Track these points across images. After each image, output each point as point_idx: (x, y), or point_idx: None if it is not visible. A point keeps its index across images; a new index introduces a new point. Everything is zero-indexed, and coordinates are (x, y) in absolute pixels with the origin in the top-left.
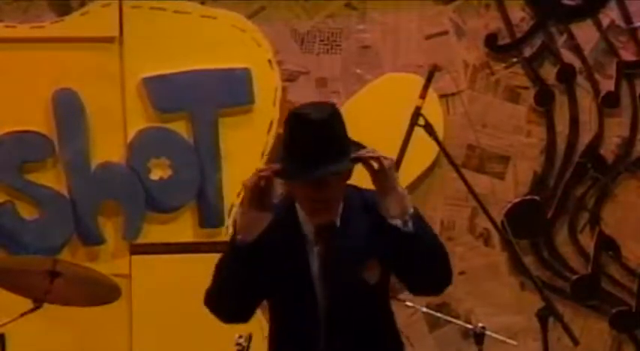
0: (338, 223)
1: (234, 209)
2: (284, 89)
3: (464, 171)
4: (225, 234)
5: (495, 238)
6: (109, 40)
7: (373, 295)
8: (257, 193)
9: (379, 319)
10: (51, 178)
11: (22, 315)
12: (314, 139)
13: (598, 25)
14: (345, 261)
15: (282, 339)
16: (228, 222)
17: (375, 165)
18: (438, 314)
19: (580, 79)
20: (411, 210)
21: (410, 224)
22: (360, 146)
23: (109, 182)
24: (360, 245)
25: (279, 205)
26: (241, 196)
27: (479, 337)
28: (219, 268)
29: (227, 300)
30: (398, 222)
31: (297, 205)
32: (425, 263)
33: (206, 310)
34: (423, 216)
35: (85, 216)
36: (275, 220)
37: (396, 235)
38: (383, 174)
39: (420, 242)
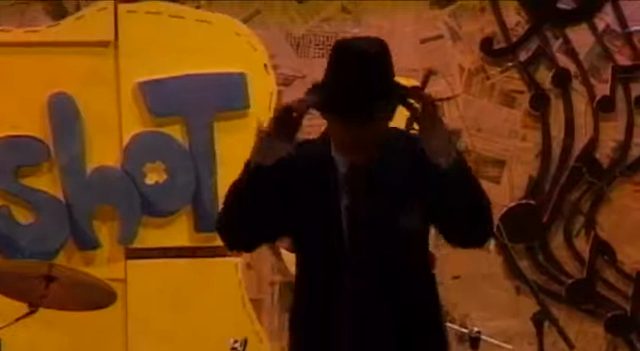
0: (376, 164)
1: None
2: (279, 93)
3: None
4: None
5: (491, 242)
6: (105, 44)
7: (408, 243)
8: (285, 123)
9: (413, 269)
10: (46, 183)
11: (17, 319)
12: (361, 72)
13: (593, 29)
14: (379, 202)
15: (307, 278)
16: None
17: (419, 104)
18: None
19: (575, 84)
20: (455, 153)
21: (453, 165)
22: (403, 86)
23: (104, 186)
24: (397, 187)
25: (316, 139)
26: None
27: (474, 341)
28: (231, 190)
29: (236, 221)
30: (442, 161)
31: (333, 146)
32: (465, 208)
33: (201, 315)
34: (468, 165)
35: (80, 220)
36: (309, 154)
37: (437, 175)
38: (427, 113)
39: (462, 185)
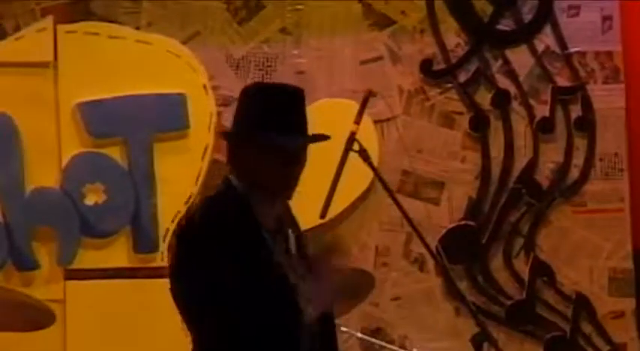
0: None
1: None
2: (219, 114)
3: (399, 196)
4: (160, 259)
5: (430, 263)
6: (44, 64)
7: None
8: None
9: None
10: None
11: None
12: (293, 108)
13: (533, 50)
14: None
15: None
16: (164, 247)
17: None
18: (373, 340)
19: (515, 105)
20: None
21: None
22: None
23: (43, 207)
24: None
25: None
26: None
27: None
28: None
29: None
30: (309, 310)
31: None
32: None
33: (141, 336)
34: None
35: (19, 241)
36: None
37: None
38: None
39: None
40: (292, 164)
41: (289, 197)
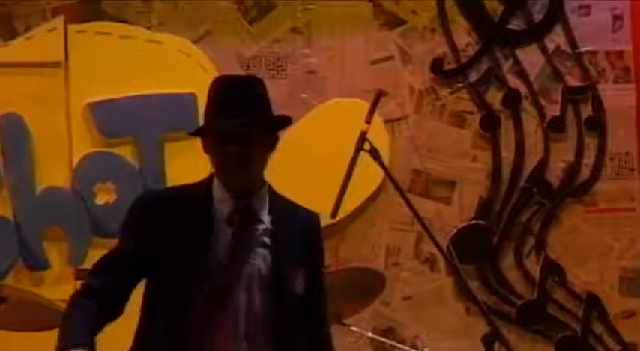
0: (266, 213)
1: None
2: None
3: (409, 196)
4: None
5: (441, 263)
6: (55, 64)
7: (291, 306)
8: None
9: (291, 334)
10: None
11: None
12: (231, 90)
13: (543, 50)
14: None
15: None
16: None
17: None
18: (384, 339)
19: (525, 104)
20: None
21: None
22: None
23: (54, 207)
24: (291, 245)
25: (195, 183)
26: None
27: None
28: None
29: None
30: None
31: (215, 184)
32: None
33: None
34: None
35: (30, 241)
36: (184, 197)
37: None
38: None
39: None
40: (229, 145)
41: (241, 185)
